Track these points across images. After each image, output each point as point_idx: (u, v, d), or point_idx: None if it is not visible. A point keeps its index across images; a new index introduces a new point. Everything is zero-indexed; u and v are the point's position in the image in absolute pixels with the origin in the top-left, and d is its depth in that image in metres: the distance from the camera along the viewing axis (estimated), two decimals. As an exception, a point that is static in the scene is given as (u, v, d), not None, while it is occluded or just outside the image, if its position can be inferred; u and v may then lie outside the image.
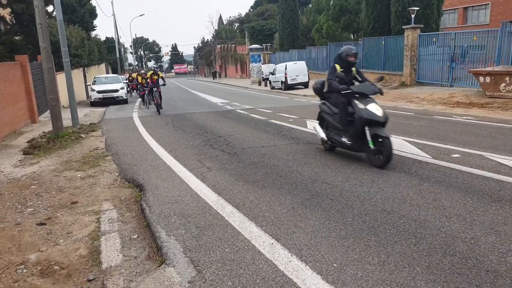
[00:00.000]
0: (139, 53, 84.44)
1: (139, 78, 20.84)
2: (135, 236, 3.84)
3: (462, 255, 3.05)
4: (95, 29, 35.46)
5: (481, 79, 12.63)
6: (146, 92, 16.76)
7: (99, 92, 19.86)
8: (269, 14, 54.95)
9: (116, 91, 20.17)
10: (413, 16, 17.98)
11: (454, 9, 31.62)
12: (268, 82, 28.19)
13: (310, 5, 44.22)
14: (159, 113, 13.76)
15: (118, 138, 9.48)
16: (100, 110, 17.58)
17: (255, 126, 10.13)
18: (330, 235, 3.53)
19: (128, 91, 23.40)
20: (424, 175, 5.13)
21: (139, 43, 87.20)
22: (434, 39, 17.34)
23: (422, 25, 18.38)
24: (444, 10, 23.94)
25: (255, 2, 68.98)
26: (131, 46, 67.53)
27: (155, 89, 14.89)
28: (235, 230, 3.72)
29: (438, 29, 20.90)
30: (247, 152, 7.03)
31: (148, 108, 16.46)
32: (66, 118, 12.03)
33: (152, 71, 15.60)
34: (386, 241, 3.35)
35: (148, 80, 15.64)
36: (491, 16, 28.73)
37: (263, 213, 4.11)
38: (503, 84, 11.91)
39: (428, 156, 6.01)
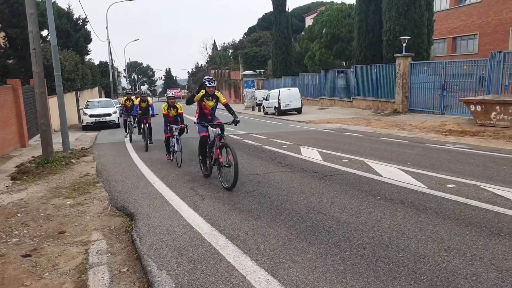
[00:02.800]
0: (132, 77, 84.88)
1: (123, 101, 15.84)
2: (125, 270, 3.67)
3: (464, 294, 2.95)
4: (89, 53, 35.76)
5: (472, 107, 12.82)
6: (132, 121, 13.69)
7: (91, 116, 19.76)
8: (262, 41, 55.99)
9: (109, 115, 20.10)
10: (404, 44, 18.40)
11: (444, 38, 32.47)
12: (261, 107, 28.36)
13: (303, 33, 45.17)
14: (146, 150, 11.14)
15: (110, 163, 9.33)
16: (92, 134, 17.43)
17: (249, 152, 10.06)
18: (327, 270, 3.41)
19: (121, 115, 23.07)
20: (420, 206, 5.06)
21: (133, 67, 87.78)
22: (425, 68, 17.70)
23: (413, 54, 18.81)
24: (434, 39, 24.56)
25: (249, 29, 70.38)
26: (124, 70, 67.94)
27: (144, 121, 11.84)
28: (229, 265, 3.58)
29: (428, 57, 21.38)
30: (241, 179, 6.90)
31: (129, 139, 13.53)
32: (57, 142, 11.87)
33: (139, 97, 12.57)
34: (385, 277, 3.24)
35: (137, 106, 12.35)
36: (479, 45, 29.50)
37: (258, 245, 3.98)
38: (493, 113, 12.08)
39: (424, 186, 5.96)
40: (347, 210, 5.00)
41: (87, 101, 22.36)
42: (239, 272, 3.42)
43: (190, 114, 15.99)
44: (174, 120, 9.42)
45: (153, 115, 12.13)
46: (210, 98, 6.92)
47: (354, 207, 5.09)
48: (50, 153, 9.86)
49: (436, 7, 28.29)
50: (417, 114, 17.26)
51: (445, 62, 16.75)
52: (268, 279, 3.27)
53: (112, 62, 40.79)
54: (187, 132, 9.25)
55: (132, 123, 13.78)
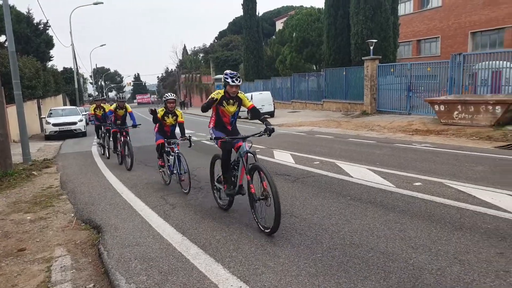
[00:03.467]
0: (99, 83, 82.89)
1: (92, 110, 12.56)
2: (91, 285, 3.54)
3: (431, 290, 3.02)
4: (51, 60, 34.63)
5: (436, 107, 13.27)
6: (107, 135, 11.34)
7: (55, 125, 19.08)
8: (233, 45, 56.07)
9: (74, 123, 19.50)
10: (371, 48, 18.85)
11: (409, 41, 33.51)
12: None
13: (273, 37, 45.51)
14: (130, 169, 8.90)
15: (75, 174, 9.03)
16: (56, 144, 16.81)
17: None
18: (300, 273, 3.41)
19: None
20: (389, 204, 5.16)
21: (100, 73, 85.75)
22: (392, 70, 18.20)
23: (380, 56, 19.30)
24: (399, 42, 25.29)
25: (219, 33, 70.30)
26: (91, 77, 66.20)
27: (120, 133, 9.73)
28: (201, 274, 3.52)
29: (395, 60, 22.00)
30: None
31: (107, 157, 11.25)
32: (16, 153, 11.40)
33: (115, 104, 10.00)
34: (356, 277, 3.27)
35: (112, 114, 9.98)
36: (442, 48, 30.64)
37: (231, 253, 3.94)
38: (456, 112, 12.54)
39: (392, 185, 6.09)
40: (318, 212, 5.04)
41: (50, 110, 21.60)
42: (211, 281, 3.36)
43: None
44: (171, 130, 7.41)
45: (134, 126, 9.63)
46: (231, 101, 5.15)
47: (326, 209, 5.14)
48: (8, 166, 9.38)
49: (401, 11, 29.21)
50: (385, 115, 17.69)
51: (411, 64, 17.29)
52: (241, 286, 3.24)
53: (77, 68, 39.64)
54: (190, 146, 7.11)
55: (106, 137, 11.36)
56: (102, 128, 11.78)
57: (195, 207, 5.63)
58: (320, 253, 3.79)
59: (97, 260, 4.07)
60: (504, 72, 13.02)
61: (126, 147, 9.26)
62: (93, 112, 12.08)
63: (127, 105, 10.32)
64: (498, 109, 11.34)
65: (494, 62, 13.39)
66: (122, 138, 9.60)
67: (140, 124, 9.88)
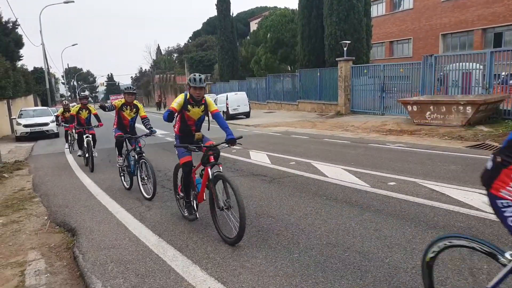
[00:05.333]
0: (72, 83, 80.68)
1: (60, 112, 13.41)
2: (66, 290, 3.46)
3: (405, 286, 3.10)
4: (21, 59, 33.44)
5: (409, 107, 13.62)
6: (73, 133, 11.73)
7: (26, 126, 18.52)
8: (208, 45, 55.78)
9: (46, 124, 18.96)
10: (345, 49, 19.15)
11: (382, 42, 34.28)
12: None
13: (248, 37, 45.57)
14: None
15: (48, 176, 8.77)
16: (28, 145, 16.30)
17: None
18: (277, 273, 3.44)
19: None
20: (364, 204, 5.27)
21: (72, 73, 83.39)
22: (365, 71, 18.55)
23: (354, 58, 19.62)
24: (373, 44, 25.83)
25: (193, 33, 69.84)
26: (63, 77, 64.24)
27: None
28: (179, 276, 3.50)
29: (368, 61, 22.43)
30: (190, 187, 6.81)
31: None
32: (-14, 155, 10.99)
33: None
34: (333, 277, 3.32)
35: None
36: (414, 49, 31.50)
37: (208, 254, 3.93)
38: (428, 112, 12.91)
39: (367, 185, 6.22)
40: (295, 212, 5.09)
41: (21, 110, 20.94)
42: (188, 283, 3.35)
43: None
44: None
45: (96, 126, 9.67)
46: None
47: (302, 209, 5.19)
48: (-22, 168, 9.08)
49: (373, 13, 29.84)
50: (359, 115, 18.02)
51: (384, 65, 17.67)
52: (219, 288, 3.24)
53: (48, 68, 38.41)
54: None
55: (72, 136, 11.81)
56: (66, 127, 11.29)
57: (172, 208, 5.58)
58: (297, 253, 3.83)
59: (72, 264, 3.98)
60: (474, 73, 13.50)
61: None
62: (61, 115, 11.69)
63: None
64: (469, 110, 11.75)
65: (464, 63, 13.87)
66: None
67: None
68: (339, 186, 6.28)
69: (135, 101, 7.01)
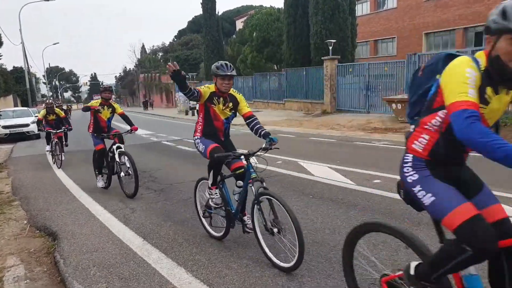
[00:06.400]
0: (53, 83, 79.24)
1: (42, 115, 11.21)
2: (46, 296, 3.37)
3: (392, 285, 3.10)
4: (0, 58, 32.75)
5: (394, 106, 13.75)
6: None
7: (5, 127, 18.10)
8: (193, 44, 55.51)
9: (27, 125, 18.56)
10: (330, 48, 19.25)
11: (366, 41, 34.58)
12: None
13: (234, 36, 45.46)
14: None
15: (28, 179, 8.56)
16: (7, 147, 15.87)
17: (184, 158, 9.85)
18: (263, 274, 3.41)
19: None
20: (350, 202, 5.28)
21: (54, 72, 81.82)
22: (351, 69, 18.68)
23: (339, 56, 19.74)
24: (358, 42, 26.02)
25: (178, 32, 69.36)
26: (44, 76, 62.96)
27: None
28: (163, 279, 3.43)
29: (353, 60, 22.61)
30: (175, 188, 6.73)
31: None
32: (-36, 158, 10.68)
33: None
34: (319, 276, 3.31)
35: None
36: (398, 48, 31.87)
37: (194, 256, 3.87)
38: (412, 110, 13.05)
39: (352, 183, 6.24)
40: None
41: (0, 111, 20.49)
42: (173, 286, 3.29)
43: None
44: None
45: (66, 129, 10.10)
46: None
47: (289, 208, 5.16)
48: (-44, 171, 8.81)
49: (358, 11, 30.07)
50: (345, 113, 18.13)
51: (368, 63, 17.82)
52: (204, 290, 3.19)
53: (28, 67, 37.52)
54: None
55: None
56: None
57: (156, 210, 5.49)
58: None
59: (53, 269, 3.87)
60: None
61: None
62: (43, 118, 10.73)
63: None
64: (450, 107, 11.91)
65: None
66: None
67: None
68: (325, 184, 6.28)
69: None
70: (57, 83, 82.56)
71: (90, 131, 6.97)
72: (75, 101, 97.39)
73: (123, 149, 6.37)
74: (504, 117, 11.09)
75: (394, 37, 32.39)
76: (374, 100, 17.17)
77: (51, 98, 10.11)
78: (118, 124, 10.33)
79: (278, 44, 31.75)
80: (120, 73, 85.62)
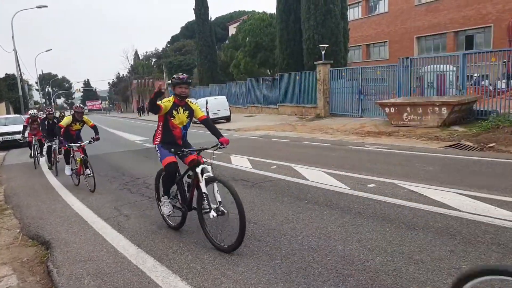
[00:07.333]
0: (46, 90, 78.63)
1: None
2: (39, 307, 3.32)
3: (388, 290, 3.10)
4: (-8, 66, 32.45)
5: (387, 109, 13.82)
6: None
7: None
8: (186, 50, 55.48)
9: (19, 132, 18.36)
10: (323, 52, 19.34)
11: (359, 45, 34.82)
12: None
13: (227, 42, 45.53)
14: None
15: (21, 187, 8.47)
16: (-1, 154, 15.76)
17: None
18: (259, 281, 3.38)
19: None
20: (345, 207, 5.28)
21: (46, 79, 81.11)
22: (343, 74, 18.77)
23: (332, 61, 19.84)
24: (350, 47, 26.18)
25: (172, 37, 69.33)
26: (36, 83, 62.35)
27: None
28: (158, 287, 3.40)
29: (346, 64, 22.72)
30: (169, 194, 6.69)
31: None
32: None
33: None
34: (315, 282, 3.29)
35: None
36: (390, 52, 32.12)
37: (189, 263, 3.84)
38: (405, 114, 13.13)
39: (347, 187, 6.24)
40: (277, 217, 5.05)
41: None
42: (168, 294, 3.26)
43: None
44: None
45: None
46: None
47: (283, 213, 5.16)
48: None
49: (350, 16, 30.29)
50: (338, 118, 18.19)
51: (361, 68, 17.92)
52: (199, 298, 3.16)
53: (21, 74, 37.21)
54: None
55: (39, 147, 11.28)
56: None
57: (151, 217, 5.45)
58: (279, 259, 3.78)
59: (46, 279, 3.82)
60: (448, 75, 13.84)
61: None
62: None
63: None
64: (444, 110, 12.01)
65: (439, 65, 14.20)
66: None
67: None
68: (320, 189, 6.28)
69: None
70: (49, 89, 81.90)
71: (157, 142, 4.88)
72: (68, 107, 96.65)
73: (210, 173, 4.28)
74: (497, 119, 11.20)
75: (386, 41, 32.66)
76: (367, 104, 17.25)
77: (49, 105, 9.64)
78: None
79: (271, 49, 31.87)
80: (113, 79, 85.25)
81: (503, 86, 13.00)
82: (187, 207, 4.56)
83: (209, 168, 4.27)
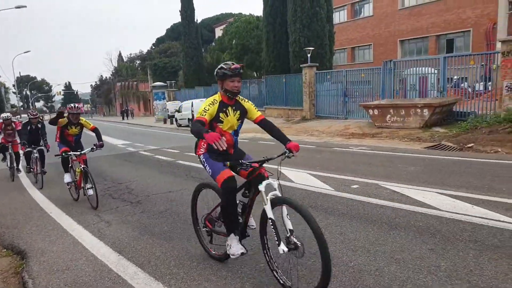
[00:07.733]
0: (24, 93, 76.97)
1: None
2: (13, 319, 3.19)
3: (370, 291, 3.09)
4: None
5: (371, 111, 13.94)
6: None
7: None
8: (172, 52, 55.11)
9: None
10: (309, 55, 19.43)
11: (344, 48, 35.13)
12: (174, 119, 27.75)
13: (213, 44, 45.44)
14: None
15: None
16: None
17: (161, 168, 9.67)
18: (243, 285, 3.34)
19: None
20: (329, 208, 5.27)
21: (25, 82, 79.20)
22: (329, 76, 18.90)
23: (317, 64, 19.95)
24: (335, 50, 26.40)
25: (157, 39, 68.81)
26: (14, 86, 60.78)
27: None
28: (138, 295, 3.31)
29: (331, 67, 22.89)
30: (152, 199, 6.58)
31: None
32: None
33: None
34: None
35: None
36: (374, 55, 32.48)
37: (171, 269, 3.76)
38: (388, 116, 13.26)
39: (331, 189, 6.24)
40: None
41: None
42: (149, 302, 3.18)
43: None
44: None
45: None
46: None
47: (268, 217, 5.10)
48: None
49: (336, 19, 30.57)
50: (324, 120, 18.28)
51: (346, 70, 18.07)
52: (181, 305, 3.09)
53: (-3, 76, 36.40)
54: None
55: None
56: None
57: (133, 223, 5.34)
58: (264, 263, 3.73)
59: (21, 290, 3.69)
60: (430, 77, 14.05)
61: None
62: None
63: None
64: (426, 112, 12.17)
65: (421, 68, 14.40)
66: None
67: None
68: (304, 191, 6.26)
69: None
70: (28, 92, 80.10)
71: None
72: (47, 111, 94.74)
73: (277, 191, 3.43)
74: (475, 120, 11.39)
75: (371, 44, 33.03)
76: (351, 106, 17.39)
77: (34, 108, 8.89)
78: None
79: (257, 51, 31.93)
80: (96, 82, 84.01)
81: (481, 88, 13.29)
82: (240, 234, 3.57)
83: (275, 184, 3.29)
